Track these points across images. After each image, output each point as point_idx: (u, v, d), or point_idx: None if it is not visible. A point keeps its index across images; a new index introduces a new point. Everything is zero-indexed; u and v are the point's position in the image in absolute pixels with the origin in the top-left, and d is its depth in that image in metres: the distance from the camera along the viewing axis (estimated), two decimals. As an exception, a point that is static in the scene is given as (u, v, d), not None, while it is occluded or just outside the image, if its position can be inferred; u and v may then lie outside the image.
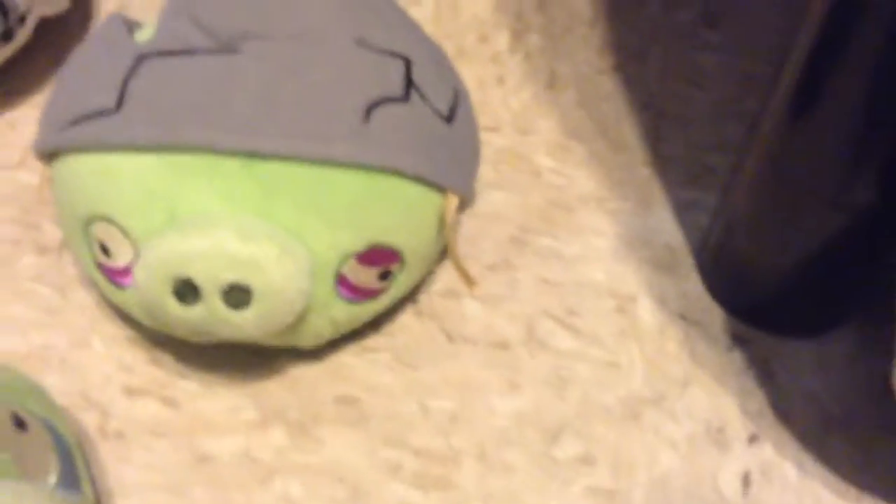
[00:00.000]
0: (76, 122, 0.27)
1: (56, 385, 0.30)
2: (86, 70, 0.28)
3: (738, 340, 0.33)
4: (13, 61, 0.37)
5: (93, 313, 0.32)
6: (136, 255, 0.27)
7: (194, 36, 0.27)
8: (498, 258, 0.35)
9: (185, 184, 0.26)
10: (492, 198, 0.36)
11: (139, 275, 0.26)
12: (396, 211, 0.28)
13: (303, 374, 0.31)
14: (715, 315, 0.33)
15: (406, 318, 0.33)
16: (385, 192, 0.27)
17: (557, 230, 0.35)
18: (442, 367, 0.32)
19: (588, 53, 0.42)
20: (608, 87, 0.40)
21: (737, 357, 0.32)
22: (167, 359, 0.31)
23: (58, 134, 0.27)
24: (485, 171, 0.37)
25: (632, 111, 0.40)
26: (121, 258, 0.27)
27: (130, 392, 0.31)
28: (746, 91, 0.40)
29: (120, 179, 0.26)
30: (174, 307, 0.26)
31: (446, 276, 0.34)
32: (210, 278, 0.25)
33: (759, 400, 0.31)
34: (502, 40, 0.42)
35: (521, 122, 0.39)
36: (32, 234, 0.34)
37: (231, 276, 0.25)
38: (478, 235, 0.35)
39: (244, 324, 0.26)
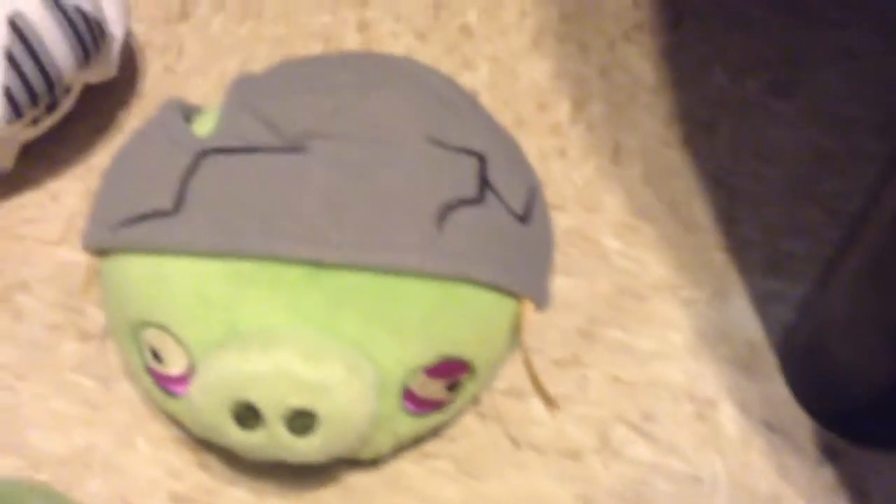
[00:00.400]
0: (131, 221, 0.25)
1: (98, 491, 0.28)
2: (141, 163, 0.26)
3: (829, 454, 0.30)
4: (56, 128, 0.36)
5: (137, 409, 0.30)
6: (192, 365, 0.25)
7: (258, 132, 0.25)
8: (566, 353, 0.32)
9: (246, 294, 0.24)
10: (557, 284, 0.34)
11: (196, 394, 0.24)
12: (468, 321, 0.26)
13: (359, 482, 0.29)
14: (803, 424, 0.31)
15: (468, 420, 0.31)
16: (458, 302, 0.25)
17: (629, 321, 0.33)
18: (507, 478, 0.29)
19: (654, 124, 0.40)
20: (676, 162, 0.38)
21: (828, 473, 0.30)
22: (216, 463, 0.29)
23: (110, 232, 0.25)
24: (549, 255, 0.35)
25: (702, 188, 0.37)
26: (175, 366, 0.25)
27: (176, 499, 0.29)
28: (822, 168, 0.38)
29: (175, 286, 0.24)
30: (234, 431, 0.24)
31: (511, 373, 0.32)
32: (273, 404, 0.23)
33: (852, 521, 0.29)
34: (563, 109, 0.40)
35: (585, 199, 0.37)
36: (74, 318, 0.32)
37: (296, 402, 0.23)
38: (543, 326, 0.33)
39: (309, 450, 0.24)
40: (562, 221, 0.36)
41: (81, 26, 0.32)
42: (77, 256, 0.33)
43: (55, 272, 0.34)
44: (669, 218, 0.36)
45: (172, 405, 0.27)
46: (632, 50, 0.42)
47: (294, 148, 0.24)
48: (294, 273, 0.24)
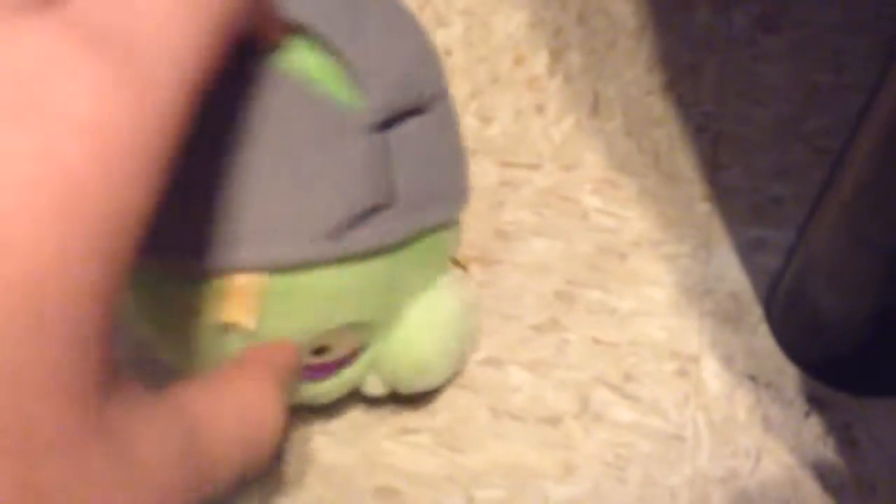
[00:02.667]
0: (350, 224, 0.23)
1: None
2: (307, 160, 0.24)
3: (815, 403, 0.29)
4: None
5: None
6: (364, 343, 0.27)
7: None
8: (544, 317, 0.32)
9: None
10: (534, 246, 0.33)
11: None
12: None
13: (339, 462, 0.29)
14: (788, 375, 0.30)
15: (446, 392, 0.30)
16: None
17: (609, 281, 0.32)
18: (488, 448, 0.29)
19: (635, 71, 0.38)
20: (658, 110, 0.37)
21: (814, 423, 0.29)
22: (195, 451, 0.29)
23: (328, 241, 0.23)
24: (525, 216, 0.34)
25: (686, 136, 0.36)
26: (340, 350, 0.26)
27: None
28: (812, 106, 0.36)
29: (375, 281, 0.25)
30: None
31: (488, 343, 0.31)
32: None
33: (840, 472, 0.28)
34: (540, 61, 0.39)
35: (563, 157, 0.36)
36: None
37: None
38: (520, 291, 0.32)
39: None
40: (538, 181, 0.35)
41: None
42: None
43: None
44: (651, 170, 0.35)
45: (312, 389, 0.27)
46: (610, -7, 0.41)
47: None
48: None
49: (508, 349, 0.31)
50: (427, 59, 0.25)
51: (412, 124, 0.24)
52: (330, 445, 0.29)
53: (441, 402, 0.30)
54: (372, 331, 0.26)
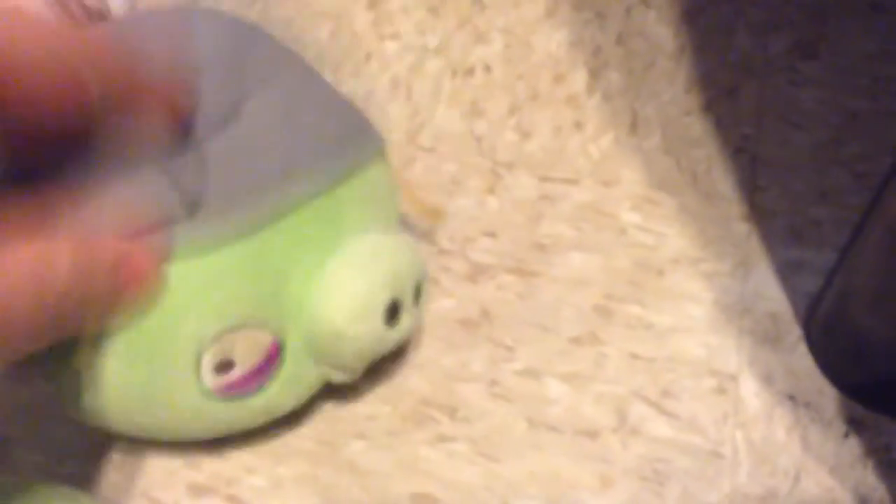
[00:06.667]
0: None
1: (118, 484, 0.28)
2: None
3: (854, 425, 0.29)
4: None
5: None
6: (280, 338, 0.26)
7: None
8: (582, 330, 0.32)
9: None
10: (572, 260, 0.34)
11: (340, 321, 0.26)
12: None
13: (375, 467, 0.29)
14: (828, 395, 0.30)
15: (482, 401, 0.30)
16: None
17: (647, 296, 0.33)
18: (525, 458, 0.29)
19: (673, 92, 0.38)
20: (697, 130, 0.37)
21: (853, 444, 0.29)
22: (233, 452, 0.29)
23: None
24: (564, 230, 0.34)
25: (724, 157, 0.36)
26: (254, 357, 0.26)
27: (195, 490, 0.29)
28: (848, 131, 0.36)
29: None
30: (383, 330, 0.27)
31: (525, 353, 0.31)
32: (408, 291, 0.27)
33: (880, 495, 0.28)
34: (579, 80, 0.39)
35: (602, 173, 0.36)
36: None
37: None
38: (558, 304, 0.32)
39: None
40: (576, 196, 0.35)
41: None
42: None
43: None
44: (690, 189, 0.36)
45: (247, 407, 0.27)
46: (650, 15, 0.41)
47: None
48: None
49: (546, 361, 0.31)
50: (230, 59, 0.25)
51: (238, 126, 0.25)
52: (366, 451, 0.29)
53: (478, 411, 0.30)
54: (274, 324, 0.26)
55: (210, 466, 0.29)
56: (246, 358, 0.25)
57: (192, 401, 0.26)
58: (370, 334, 0.26)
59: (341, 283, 0.26)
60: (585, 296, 0.33)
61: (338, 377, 0.28)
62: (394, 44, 0.41)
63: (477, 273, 0.33)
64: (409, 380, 0.31)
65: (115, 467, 0.29)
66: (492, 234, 0.34)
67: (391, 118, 0.38)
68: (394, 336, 0.27)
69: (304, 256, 0.26)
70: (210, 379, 0.25)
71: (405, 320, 0.27)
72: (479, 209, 0.35)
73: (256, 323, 0.25)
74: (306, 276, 0.26)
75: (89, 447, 0.30)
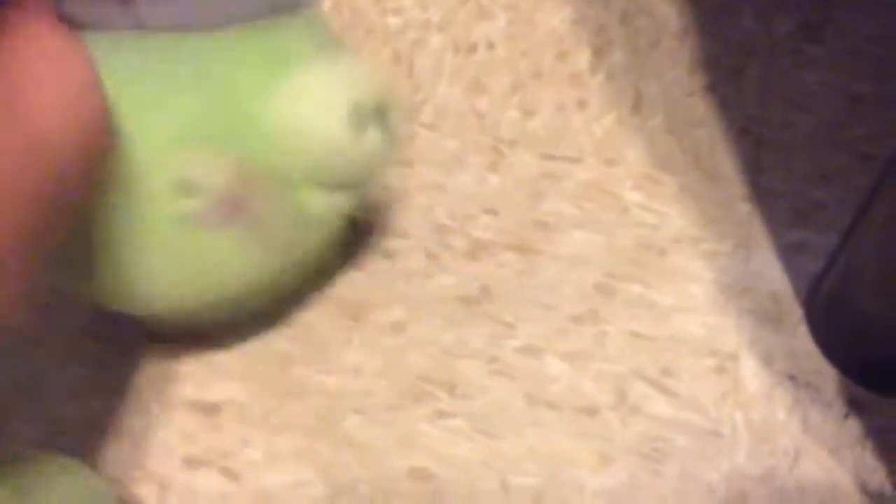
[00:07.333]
0: None
1: (115, 457, 0.28)
2: None
3: (854, 406, 0.29)
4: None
5: (150, 373, 0.30)
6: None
7: None
8: (583, 308, 0.32)
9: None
10: (574, 238, 0.33)
11: (303, 120, 0.25)
12: None
13: (372, 442, 0.29)
14: (828, 376, 0.30)
15: (481, 378, 0.30)
16: None
17: (648, 276, 0.32)
18: (524, 435, 0.29)
19: (677, 72, 0.38)
20: (700, 111, 0.37)
21: (853, 425, 0.29)
22: (229, 424, 0.29)
23: None
24: (566, 209, 0.34)
25: (727, 137, 0.36)
26: (217, 177, 0.25)
27: (191, 462, 0.29)
28: (852, 113, 0.36)
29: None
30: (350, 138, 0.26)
31: (526, 331, 0.31)
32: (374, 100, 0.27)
33: (879, 476, 0.28)
34: (583, 58, 0.39)
35: (605, 152, 0.36)
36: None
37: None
38: (559, 282, 0.32)
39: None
40: (578, 174, 0.35)
41: None
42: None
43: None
44: (692, 169, 0.35)
45: (220, 237, 0.25)
46: (654, -6, 0.41)
47: None
48: None
49: (546, 339, 0.31)
50: None
51: None
52: (364, 426, 0.29)
53: (477, 387, 0.30)
54: (233, 147, 0.25)
55: (205, 440, 0.29)
56: (209, 180, 0.25)
57: (169, 233, 0.25)
58: (335, 137, 0.26)
59: (297, 94, 0.25)
60: (586, 274, 0.32)
61: (327, 201, 0.27)
62: (396, 19, 0.41)
63: (477, 250, 0.33)
64: (407, 356, 0.31)
65: (111, 440, 0.29)
66: (493, 212, 0.34)
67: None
68: (363, 148, 0.26)
69: (250, 78, 0.25)
70: (181, 204, 0.24)
71: (373, 134, 0.27)
72: (479, 186, 0.35)
73: (211, 144, 0.25)
74: (258, 97, 0.25)
75: (87, 420, 0.29)
